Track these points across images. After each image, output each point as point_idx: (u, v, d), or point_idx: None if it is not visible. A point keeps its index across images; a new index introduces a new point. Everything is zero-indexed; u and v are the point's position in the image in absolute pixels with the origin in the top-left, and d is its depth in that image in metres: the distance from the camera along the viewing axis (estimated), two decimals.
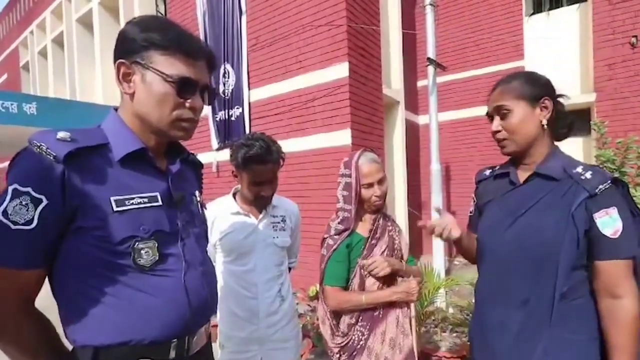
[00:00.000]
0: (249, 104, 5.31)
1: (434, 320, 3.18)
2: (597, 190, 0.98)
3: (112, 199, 0.78)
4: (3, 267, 0.72)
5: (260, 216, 1.62)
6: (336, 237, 1.49)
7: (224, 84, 5.53)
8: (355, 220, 1.50)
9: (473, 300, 1.32)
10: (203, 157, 5.05)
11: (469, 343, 1.34)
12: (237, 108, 5.40)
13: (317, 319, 3.35)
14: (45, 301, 0.91)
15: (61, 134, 0.76)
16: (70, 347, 0.83)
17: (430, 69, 4.64)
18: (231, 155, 1.54)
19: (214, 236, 1.57)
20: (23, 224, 0.70)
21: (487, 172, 1.32)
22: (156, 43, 0.81)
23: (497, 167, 1.28)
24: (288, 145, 4.23)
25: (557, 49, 6.06)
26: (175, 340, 0.84)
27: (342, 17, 4.37)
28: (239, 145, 1.51)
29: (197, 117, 0.89)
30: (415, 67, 7.38)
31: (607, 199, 0.98)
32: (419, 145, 7.41)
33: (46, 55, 11.07)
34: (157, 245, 0.82)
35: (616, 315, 0.97)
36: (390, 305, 1.45)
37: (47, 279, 0.81)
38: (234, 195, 1.66)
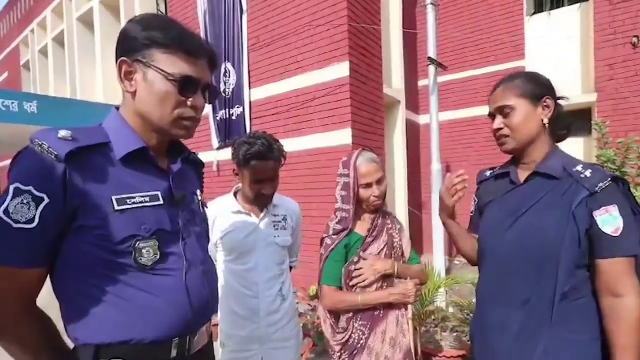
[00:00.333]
0: (250, 103, 5.31)
1: (434, 319, 3.18)
2: (597, 188, 0.98)
3: (113, 197, 0.78)
4: (4, 266, 0.72)
5: (261, 215, 1.62)
6: (334, 236, 1.49)
7: (225, 83, 5.53)
8: (354, 219, 1.49)
9: (474, 300, 1.32)
10: (203, 156, 5.03)
11: (469, 342, 1.34)
12: (238, 107, 5.40)
13: (318, 318, 3.35)
14: (46, 299, 0.91)
15: (62, 133, 0.76)
16: (71, 345, 0.83)
17: (431, 69, 4.63)
18: (233, 153, 1.54)
19: (215, 235, 1.57)
20: (24, 223, 0.70)
21: (488, 172, 1.32)
22: (158, 41, 0.81)
23: (498, 167, 1.28)
24: (288, 145, 4.21)
25: (558, 49, 6.05)
26: (176, 339, 0.84)
27: (343, 16, 4.37)
28: (240, 143, 1.51)
29: (199, 115, 0.89)
30: (415, 66, 7.37)
31: (607, 196, 0.98)
32: (419, 144, 7.41)
33: (47, 54, 11.07)
34: (158, 244, 0.82)
35: (618, 314, 0.96)
36: (390, 305, 1.45)
37: (48, 278, 0.81)
38: (235, 194, 1.66)
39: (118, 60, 0.83)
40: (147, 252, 0.80)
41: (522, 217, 1.09)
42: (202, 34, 5.67)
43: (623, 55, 5.44)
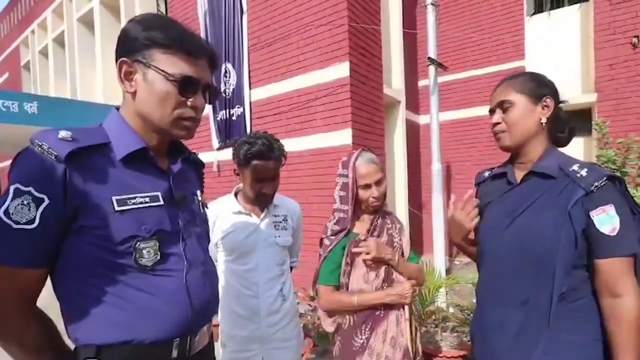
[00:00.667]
0: (250, 103, 5.31)
1: (434, 320, 3.18)
2: (592, 188, 0.97)
3: (113, 198, 0.78)
4: (4, 266, 0.72)
5: (262, 215, 1.62)
6: (332, 237, 1.49)
7: (225, 84, 5.53)
8: (353, 220, 1.50)
9: (474, 300, 1.32)
10: (204, 157, 5.03)
11: (469, 343, 1.34)
12: (238, 107, 5.40)
13: (318, 319, 3.34)
14: (46, 300, 0.91)
15: (62, 134, 0.76)
16: (72, 346, 0.83)
17: (431, 69, 4.63)
18: (233, 153, 1.55)
19: (215, 235, 1.57)
20: (25, 224, 0.70)
21: (486, 173, 1.32)
22: (158, 42, 0.81)
23: (495, 168, 1.28)
24: (288, 145, 4.21)
25: (558, 49, 6.05)
26: (177, 339, 0.84)
27: (343, 17, 4.37)
28: (241, 143, 1.52)
29: (199, 115, 0.89)
30: (416, 66, 7.37)
31: (603, 196, 0.97)
32: (420, 145, 7.41)
33: (47, 55, 11.08)
34: (158, 245, 0.82)
35: (618, 314, 0.96)
36: (390, 305, 1.45)
37: (48, 278, 0.81)
38: (236, 194, 1.66)
39: (118, 61, 0.83)
40: (148, 252, 0.80)
41: (519, 218, 1.08)
42: (202, 35, 5.67)
43: (623, 55, 5.43)
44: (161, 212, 0.85)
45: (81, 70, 9.33)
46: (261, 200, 1.58)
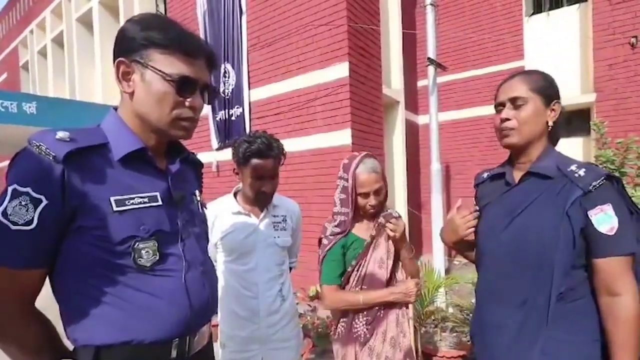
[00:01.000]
0: (249, 103, 5.31)
1: (434, 320, 3.18)
2: (590, 187, 0.97)
3: (112, 198, 0.78)
4: (3, 267, 0.72)
5: (261, 216, 1.62)
6: (331, 237, 1.51)
7: (224, 84, 5.52)
8: (353, 223, 1.51)
9: (473, 300, 1.32)
10: (203, 157, 5.02)
11: (469, 343, 1.34)
12: (237, 108, 5.40)
13: (317, 319, 3.34)
14: (46, 301, 0.91)
15: (60, 134, 0.75)
16: (71, 346, 0.83)
17: (431, 69, 4.64)
18: (233, 152, 1.55)
19: (215, 236, 1.57)
20: (23, 225, 0.70)
21: (485, 174, 1.32)
22: (156, 42, 0.80)
23: (494, 168, 1.28)
24: (288, 145, 4.21)
25: (557, 49, 6.06)
26: (176, 339, 0.84)
27: (343, 17, 4.37)
28: (240, 141, 1.53)
29: (197, 116, 0.89)
30: (415, 67, 7.38)
31: (601, 195, 0.97)
32: (419, 145, 7.41)
33: (46, 55, 11.07)
34: (157, 245, 0.82)
35: (615, 313, 0.96)
36: (390, 305, 1.46)
37: (47, 279, 0.80)
38: (235, 195, 1.66)
39: (116, 61, 0.83)
40: (147, 253, 0.80)
41: (518, 218, 1.08)
42: (201, 35, 5.67)
43: (622, 55, 5.44)
44: (160, 213, 0.84)
45: (80, 71, 9.32)
46: (260, 200, 1.58)
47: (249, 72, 5.30)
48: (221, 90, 5.52)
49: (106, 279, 0.77)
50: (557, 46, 6.07)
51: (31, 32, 11.92)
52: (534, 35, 6.30)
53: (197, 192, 1.03)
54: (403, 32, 5.91)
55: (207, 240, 1.06)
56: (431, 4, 4.57)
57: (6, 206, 0.70)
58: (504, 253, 1.10)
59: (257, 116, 5.25)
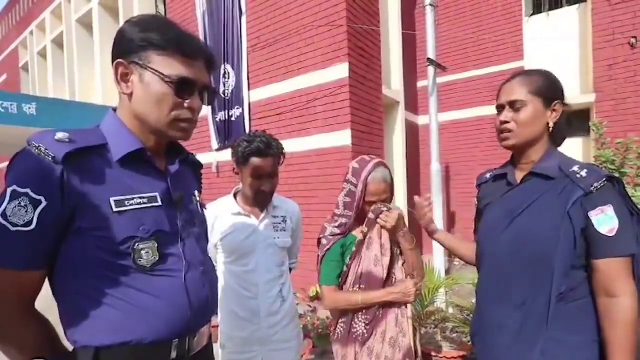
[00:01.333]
0: (249, 104, 5.31)
1: (434, 320, 3.18)
2: (592, 188, 0.98)
3: (111, 199, 0.78)
4: (2, 269, 0.72)
5: (261, 216, 1.62)
6: (330, 237, 1.51)
7: (224, 84, 5.52)
8: (353, 225, 1.51)
9: (473, 300, 1.32)
10: (203, 158, 5.05)
11: (469, 343, 1.34)
12: (237, 108, 5.40)
13: (317, 319, 3.34)
14: (45, 302, 0.91)
15: (59, 135, 0.75)
16: (70, 348, 0.82)
17: (430, 69, 4.64)
18: (232, 152, 1.56)
19: (214, 236, 1.57)
20: (22, 225, 0.70)
21: (487, 174, 1.32)
22: (154, 43, 0.80)
23: (496, 169, 1.28)
24: (288, 146, 4.21)
25: (557, 49, 6.05)
26: (176, 340, 0.84)
27: (342, 18, 4.37)
28: (240, 141, 1.53)
29: (196, 117, 0.89)
30: (415, 67, 7.38)
31: (602, 196, 0.98)
32: (419, 145, 7.41)
33: (45, 56, 11.08)
34: (157, 245, 0.82)
35: (613, 314, 0.96)
36: (389, 305, 1.45)
37: (47, 280, 0.80)
38: (235, 195, 1.66)
39: (114, 62, 0.83)
40: (147, 253, 0.80)
41: (518, 218, 1.08)
42: (201, 36, 5.68)
43: (622, 55, 5.44)
44: (159, 213, 0.84)
45: (80, 71, 9.32)
46: (260, 199, 1.58)
47: (248, 72, 5.30)
48: (221, 90, 5.52)
49: (106, 280, 0.77)
50: (556, 46, 6.07)
51: (31, 33, 11.93)
52: (533, 35, 6.30)
53: (196, 193, 1.03)
54: (403, 33, 5.91)
55: (207, 241, 1.06)
56: (431, 5, 4.58)
57: (5, 207, 0.70)
58: (504, 253, 1.10)
59: (256, 117, 5.25)
